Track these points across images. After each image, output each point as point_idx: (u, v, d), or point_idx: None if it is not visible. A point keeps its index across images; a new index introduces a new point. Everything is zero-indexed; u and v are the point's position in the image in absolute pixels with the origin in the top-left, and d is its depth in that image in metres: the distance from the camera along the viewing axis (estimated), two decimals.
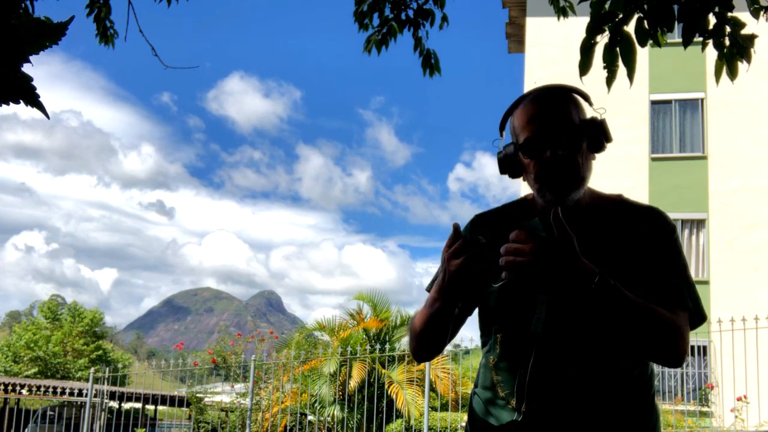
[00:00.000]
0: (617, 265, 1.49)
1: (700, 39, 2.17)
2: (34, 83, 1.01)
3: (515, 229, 1.53)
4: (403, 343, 13.38)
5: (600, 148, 1.57)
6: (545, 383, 1.51)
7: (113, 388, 18.34)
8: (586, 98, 1.61)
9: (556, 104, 1.55)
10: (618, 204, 1.62)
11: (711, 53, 2.17)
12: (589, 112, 1.61)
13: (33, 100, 1.01)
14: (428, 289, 1.74)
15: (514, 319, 1.57)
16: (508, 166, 1.61)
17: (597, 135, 1.55)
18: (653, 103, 16.94)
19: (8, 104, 1.00)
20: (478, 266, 1.38)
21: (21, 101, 1.01)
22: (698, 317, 1.57)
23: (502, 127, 1.66)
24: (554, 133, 1.51)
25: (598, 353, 1.50)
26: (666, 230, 1.57)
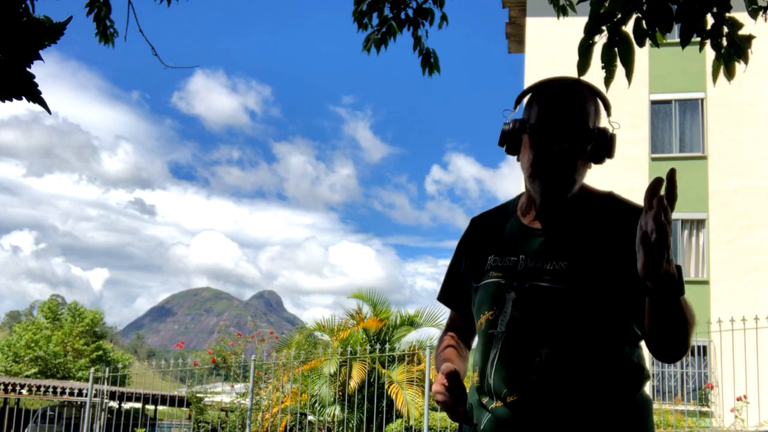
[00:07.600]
0: (606, 255, 1.50)
1: (698, 39, 2.17)
2: (35, 80, 1.04)
3: (501, 228, 1.67)
4: (403, 343, 13.38)
5: (600, 160, 1.59)
6: (509, 381, 1.51)
7: (113, 388, 18.34)
8: (607, 107, 1.63)
9: (578, 101, 1.55)
10: (608, 200, 1.61)
11: (711, 53, 2.17)
12: (604, 120, 1.63)
13: (35, 97, 1.04)
14: (439, 299, 1.81)
15: (488, 317, 1.60)
16: (509, 139, 1.62)
17: (603, 146, 1.57)
18: (653, 103, 16.94)
19: (11, 100, 1.02)
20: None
21: (23, 98, 1.03)
22: None
23: (518, 101, 1.67)
24: (566, 129, 1.52)
25: (566, 352, 1.49)
26: None
